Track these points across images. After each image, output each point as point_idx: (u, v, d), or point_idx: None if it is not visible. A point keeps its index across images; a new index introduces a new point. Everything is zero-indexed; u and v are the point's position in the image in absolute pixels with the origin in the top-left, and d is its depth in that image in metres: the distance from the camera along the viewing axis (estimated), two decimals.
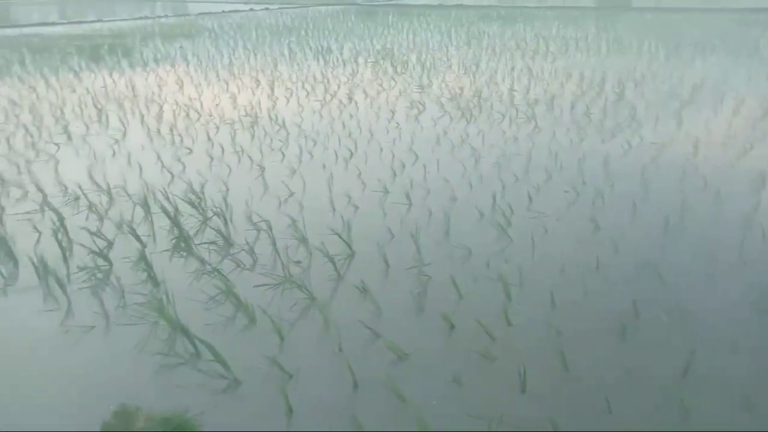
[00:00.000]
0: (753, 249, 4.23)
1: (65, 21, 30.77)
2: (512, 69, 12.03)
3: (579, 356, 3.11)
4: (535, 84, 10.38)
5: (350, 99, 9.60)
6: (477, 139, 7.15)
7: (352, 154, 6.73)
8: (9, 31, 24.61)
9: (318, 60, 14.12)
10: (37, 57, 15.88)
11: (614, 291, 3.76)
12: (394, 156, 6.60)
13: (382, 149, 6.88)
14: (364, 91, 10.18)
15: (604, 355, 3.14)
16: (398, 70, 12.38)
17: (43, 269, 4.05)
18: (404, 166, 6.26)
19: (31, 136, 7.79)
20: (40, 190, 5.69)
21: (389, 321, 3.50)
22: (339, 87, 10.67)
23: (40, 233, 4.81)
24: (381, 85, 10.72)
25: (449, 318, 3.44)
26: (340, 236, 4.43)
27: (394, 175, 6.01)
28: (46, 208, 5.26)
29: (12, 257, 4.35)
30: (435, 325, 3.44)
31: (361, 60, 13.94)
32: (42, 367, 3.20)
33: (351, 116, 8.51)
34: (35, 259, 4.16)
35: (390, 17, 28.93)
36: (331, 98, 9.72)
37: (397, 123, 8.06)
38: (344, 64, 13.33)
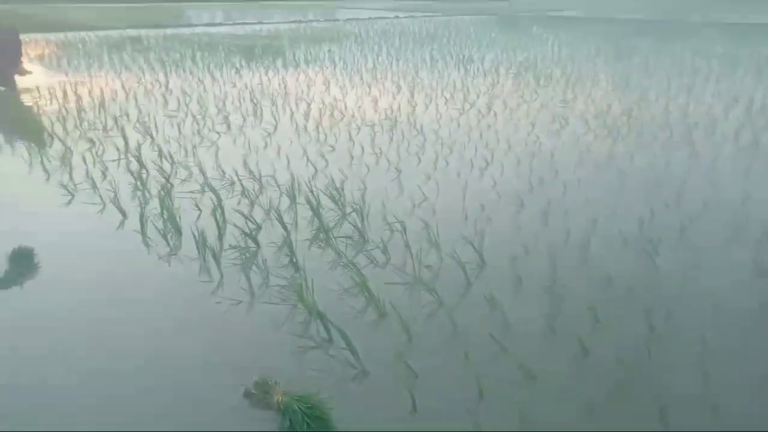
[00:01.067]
0: None
1: (230, 22, 33.95)
2: (667, 88, 11.16)
3: (735, 404, 2.80)
4: (693, 106, 9.53)
5: (489, 109, 9.52)
6: (625, 160, 6.73)
7: (488, 164, 6.67)
8: (184, 30, 27.71)
9: (459, 68, 14.18)
10: (205, 54, 17.69)
11: None
12: (532, 170, 6.43)
13: (519, 162, 6.74)
14: (504, 102, 10.03)
15: (764, 408, 2.80)
16: (541, 82, 12.04)
17: (202, 243, 4.50)
18: (543, 182, 6.07)
19: (197, 124, 8.70)
20: (202, 172, 6.33)
21: (518, 337, 3.41)
22: (478, 96, 10.62)
23: (200, 211, 5.36)
24: (522, 97, 10.50)
25: (583, 343, 3.28)
26: (473, 245, 4.41)
27: (531, 189, 5.85)
28: (206, 189, 5.84)
29: (178, 230, 4.89)
30: (567, 348, 3.29)
31: (502, 70, 13.77)
32: (194, 331, 3.55)
33: (489, 126, 8.43)
34: (196, 234, 4.62)
35: (534, 28, 28.23)
36: (470, 107, 9.71)
37: (537, 136, 7.84)
38: (485, 74, 13.25)
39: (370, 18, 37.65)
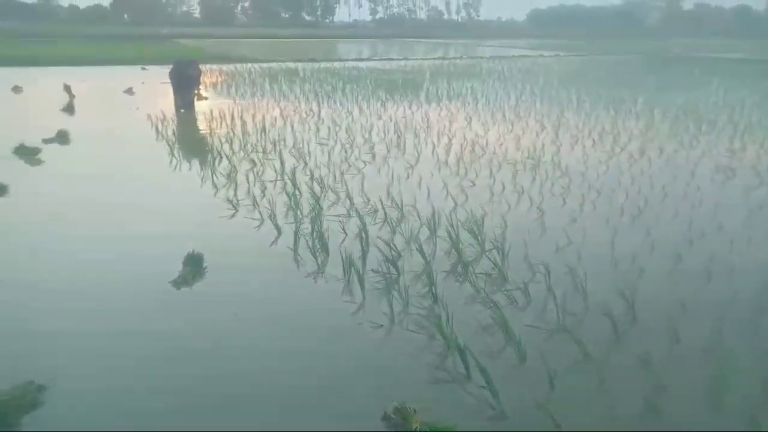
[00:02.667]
0: None
1: (376, 57, 35.82)
2: None
3: None
4: None
5: (642, 153, 8.96)
6: None
7: (641, 212, 6.25)
8: (335, 64, 29.75)
9: (608, 110, 13.57)
10: (354, 86, 18.79)
11: None
12: (691, 222, 5.91)
13: (677, 213, 6.23)
14: (660, 148, 9.38)
15: None
16: (703, 129, 11.10)
17: (347, 265, 4.73)
18: (704, 235, 5.55)
19: (345, 152, 9.22)
20: (349, 198, 6.68)
21: (675, 404, 3.11)
22: (630, 140, 10.05)
23: (346, 234, 5.64)
24: (680, 143, 9.75)
25: (754, 418, 2.91)
26: (624, 297, 4.14)
27: (691, 243, 5.37)
28: (352, 214, 6.15)
29: (326, 250, 5.20)
30: (733, 422, 2.94)
31: (657, 114, 12.92)
32: (336, 350, 3.71)
33: (642, 172, 7.92)
34: (343, 255, 4.87)
35: (694, 69, 26.20)
36: (621, 150, 9.21)
37: (698, 186, 7.21)
38: (637, 117, 12.53)
39: (513, 56, 37.55)
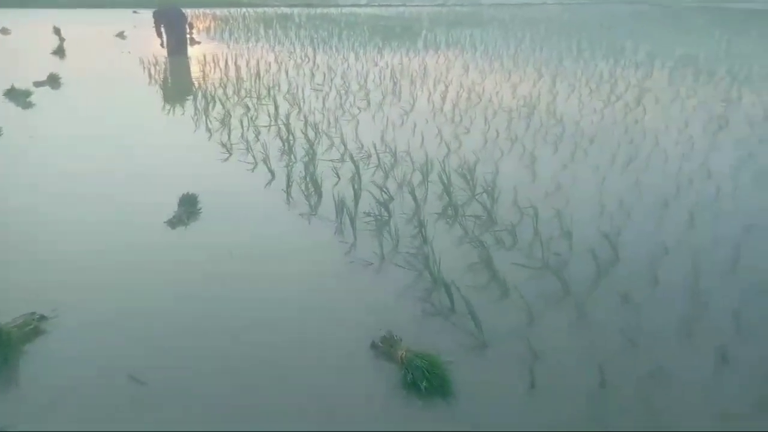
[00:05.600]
0: None
1: (374, 4, 34.85)
2: None
3: None
4: None
5: (638, 103, 8.93)
6: None
7: (631, 160, 6.30)
8: (332, 10, 28.98)
9: (608, 60, 13.39)
10: (350, 33, 18.41)
11: None
12: (680, 170, 5.98)
13: (666, 160, 6.29)
14: (656, 97, 9.35)
15: None
16: (700, 79, 11.01)
17: (340, 207, 4.81)
18: (692, 182, 5.63)
19: (340, 98, 9.16)
20: (343, 143, 6.70)
21: (649, 336, 3.27)
22: (627, 89, 9.99)
23: (339, 178, 5.70)
24: (677, 93, 9.70)
25: (724, 351, 3.07)
26: (608, 238, 4.25)
27: (678, 189, 5.46)
28: (346, 159, 6.18)
29: (319, 192, 5.27)
30: (704, 354, 3.10)
31: (657, 64, 12.78)
32: (328, 284, 3.84)
33: (636, 121, 7.93)
34: (335, 198, 4.95)
35: (699, 20, 25.64)
36: (617, 100, 9.18)
37: (690, 136, 7.24)
38: (637, 67, 12.39)
39: (515, 4, 36.57)
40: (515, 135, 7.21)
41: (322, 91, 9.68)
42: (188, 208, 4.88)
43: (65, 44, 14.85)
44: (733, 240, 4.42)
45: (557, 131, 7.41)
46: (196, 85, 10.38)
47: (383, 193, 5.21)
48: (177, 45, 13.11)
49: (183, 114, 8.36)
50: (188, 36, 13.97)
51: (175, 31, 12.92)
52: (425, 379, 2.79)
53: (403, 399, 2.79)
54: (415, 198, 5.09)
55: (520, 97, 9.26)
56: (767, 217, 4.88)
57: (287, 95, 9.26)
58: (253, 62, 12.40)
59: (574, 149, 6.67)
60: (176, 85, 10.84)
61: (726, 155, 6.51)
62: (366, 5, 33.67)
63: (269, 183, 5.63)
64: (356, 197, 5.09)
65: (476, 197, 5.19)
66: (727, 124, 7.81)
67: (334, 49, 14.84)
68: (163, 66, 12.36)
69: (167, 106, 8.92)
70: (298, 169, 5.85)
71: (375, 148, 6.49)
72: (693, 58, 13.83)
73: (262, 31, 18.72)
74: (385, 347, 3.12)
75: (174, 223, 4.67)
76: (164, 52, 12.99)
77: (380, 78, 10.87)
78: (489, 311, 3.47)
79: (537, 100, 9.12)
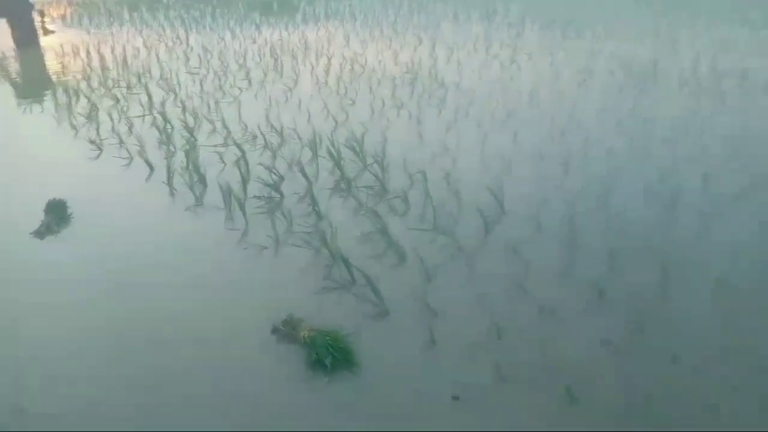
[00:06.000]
0: None
1: None
2: (707, 38, 10.77)
3: (745, 341, 2.86)
4: (725, 55, 9.21)
5: (512, 61, 9.35)
6: (649, 111, 6.61)
7: (509, 115, 6.61)
8: None
9: (482, 21, 13.84)
10: (225, 10, 17.55)
11: None
12: (554, 121, 6.37)
13: (541, 113, 6.67)
14: (528, 55, 9.83)
15: None
16: (568, 35, 11.71)
17: (227, 194, 4.62)
18: (564, 133, 6.02)
19: (219, 80, 8.75)
20: (225, 127, 6.42)
21: (536, 281, 3.48)
22: (502, 49, 10.42)
23: (224, 164, 5.46)
24: (547, 50, 10.26)
25: (600, 286, 3.34)
26: (493, 194, 4.44)
27: (552, 140, 5.81)
28: (229, 143, 5.93)
29: (203, 181, 5.02)
30: (584, 291, 3.35)
31: (527, 23, 13.41)
32: (223, 274, 3.70)
33: (512, 78, 8.31)
34: (222, 185, 4.74)
35: None
36: (493, 59, 9.54)
37: (562, 89, 7.71)
38: (509, 27, 12.92)
39: None
40: (400, 102, 7.29)
41: (198, 74, 9.17)
42: (57, 215, 4.45)
43: None
44: (603, 184, 4.79)
45: (440, 94, 7.58)
46: (55, 78, 9.43)
47: (272, 174, 5.07)
48: (24, 36, 11.78)
49: (42, 112, 7.57)
50: (39, 25, 12.59)
51: (20, 22, 11.58)
52: (330, 355, 2.78)
53: (309, 378, 2.77)
54: (306, 175, 5.00)
55: (403, 64, 9.36)
56: (634, 160, 5.34)
57: (160, 81, 8.67)
58: (119, 49, 11.46)
59: (456, 110, 6.87)
60: (30, 81, 9.78)
61: (591, 105, 7.01)
62: None
63: (148, 177, 5.27)
64: (244, 182, 4.91)
65: (367, 168, 5.20)
66: (591, 76, 8.39)
67: (208, 28, 14.09)
68: (12, 60, 11.09)
69: (22, 105, 8.03)
70: (179, 158, 5.52)
71: (260, 128, 6.27)
72: (563, 19, 14.66)
73: (126, 15, 17.33)
74: (287, 330, 3.07)
75: (42, 233, 4.25)
76: (12, 44, 11.63)
77: (260, 55, 10.50)
78: (388, 278, 3.51)
79: (419, 65, 9.26)
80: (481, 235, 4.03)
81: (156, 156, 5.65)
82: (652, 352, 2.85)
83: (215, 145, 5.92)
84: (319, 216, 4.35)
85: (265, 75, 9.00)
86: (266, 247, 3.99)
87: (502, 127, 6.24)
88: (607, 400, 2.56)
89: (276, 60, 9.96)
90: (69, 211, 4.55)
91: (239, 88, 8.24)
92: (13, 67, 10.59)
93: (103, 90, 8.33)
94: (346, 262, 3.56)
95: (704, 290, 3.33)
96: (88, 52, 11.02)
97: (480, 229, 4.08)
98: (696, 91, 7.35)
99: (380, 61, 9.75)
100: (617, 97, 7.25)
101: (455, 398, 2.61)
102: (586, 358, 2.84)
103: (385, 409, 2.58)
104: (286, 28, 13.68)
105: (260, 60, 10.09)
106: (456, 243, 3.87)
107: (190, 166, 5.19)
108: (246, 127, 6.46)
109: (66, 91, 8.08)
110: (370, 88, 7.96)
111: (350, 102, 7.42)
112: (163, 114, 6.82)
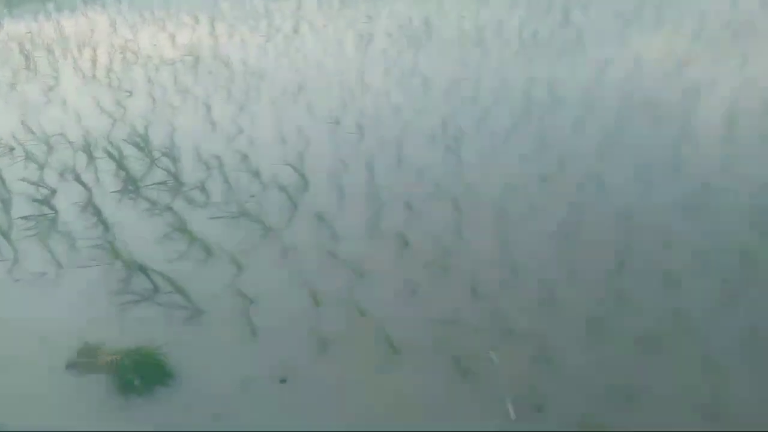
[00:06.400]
0: (686, 155, 4.44)
1: None
2: None
3: (526, 258, 3.27)
4: (484, 10, 10.22)
5: (295, 32, 9.26)
6: (427, 66, 7.07)
7: (300, 87, 6.57)
8: None
9: None
10: None
11: (560, 200, 3.89)
12: (343, 87, 6.49)
13: (330, 81, 6.74)
14: (310, 24, 9.82)
15: (548, 256, 3.30)
16: (347, 2, 11.94)
17: None
18: (354, 97, 6.17)
19: None
20: None
21: (346, 244, 3.55)
22: (283, 21, 10.25)
23: None
24: (327, 17, 10.36)
25: (403, 236, 3.52)
26: (293, 167, 4.40)
27: (345, 106, 5.93)
28: None
29: None
30: (390, 243, 3.51)
31: None
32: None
33: (297, 50, 8.24)
34: None
35: None
36: (276, 32, 9.35)
37: (346, 55, 7.87)
38: None
39: None
40: (184, 87, 6.79)
41: None
42: None
43: None
44: (395, 140, 5.03)
45: (226, 75, 7.23)
46: None
47: (40, 188, 4.39)
48: None
49: None
50: None
51: None
52: (138, 375, 2.52)
53: (121, 407, 2.49)
54: (83, 183, 4.43)
55: (182, 47, 8.70)
56: (419, 113, 5.67)
57: None
58: None
59: (246, 89, 6.62)
60: None
61: (376, 67, 7.27)
62: None
63: None
64: (4, 203, 4.18)
65: (156, 163, 4.78)
66: (372, 40, 8.69)
67: None
68: None
69: None
70: None
71: (16, 138, 5.37)
72: None
73: None
74: (84, 360, 2.71)
75: None
76: None
77: (5, 52, 8.93)
78: (196, 277, 3.29)
79: (199, 46, 8.70)
80: (287, 211, 3.97)
81: None
82: (454, 287, 3.11)
83: None
84: (106, 226, 3.89)
85: (15, 75, 7.70)
86: (45, 273, 3.46)
87: (295, 100, 6.18)
88: (422, 345, 2.73)
89: (27, 56, 8.55)
90: None
91: None
92: None
93: None
94: (144, 271, 3.24)
95: (489, 222, 3.70)
96: None
97: (285, 206, 4.02)
98: (464, 43, 8.05)
99: (156, 45, 8.94)
100: (398, 57, 7.62)
101: (283, 381, 2.56)
102: (396, 306, 2.99)
103: (213, 409, 2.44)
104: (35, 19, 11.81)
105: (6, 58, 8.59)
106: (262, 224, 3.76)
107: None
108: None
109: None
110: (148, 77, 7.27)
111: (127, 94, 6.71)
112: None
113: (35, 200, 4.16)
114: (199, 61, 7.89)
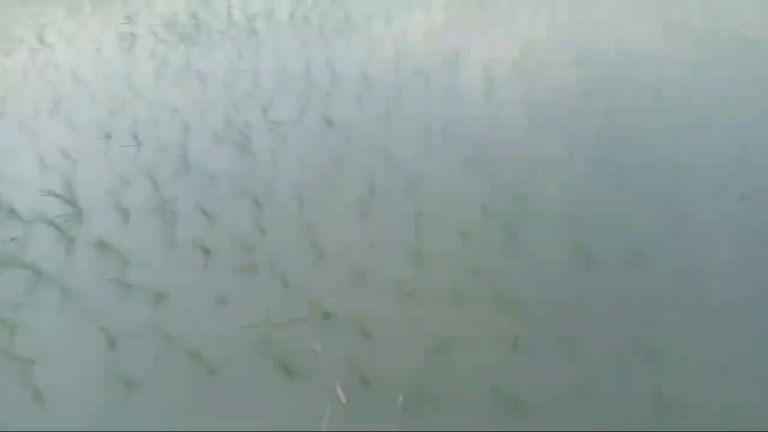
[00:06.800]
0: (457, 119, 4.88)
1: None
2: None
3: (329, 239, 3.30)
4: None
5: (41, 42, 8.08)
6: (201, 63, 6.71)
7: (57, 103, 5.76)
8: None
9: None
10: None
11: (354, 175, 4.00)
12: (110, 96, 5.85)
13: (93, 92, 6.03)
14: (59, 31, 8.65)
15: (350, 229, 3.38)
16: (98, 1, 10.74)
17: None
18: (125, 105, 5.60)
19: None
20: None
21: (138, 269, 3.22)
22: (25, 30, 8.87)
23: None
24: (78, 22, 9.21)
25: (203, 245, 3.32)
26: (58, 196, 3.84)
27: (115, 116, 5.35)
28: None
29: None
30: (191, 255, 3.28)
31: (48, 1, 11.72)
32: None
33: (48, 61, 7.20)
34: None
35: None
36: (18, 44, 8.06)
37: (107, 60, 7.10)
38: (27, 4, 11.07)
39: None
40: None
41: None
42: None
43: None
44: (179, 146, 4.68)
45: None
46: None
47: None
48: None
49: None
50: None
51: None
52: None
53: None
54: None
55: None
56: (199, 112, 5.35)
57: None
58: None
59: None
60: None
61: (146, 69, 6.69)
62: None
63: None
64: None
65: None
66: (136, 39, 7.96)
67: None
68: None
69: None
70: None
71: None
72: None
73: None
74: None
75: None
76: None
77: None
78: None
79: None
80: (61, 246, 3.46)
81: None
82: (265, 286, 3.02)
83: None
84: None
85: None
86: None
87: (53, 118, 5.40)
88: (241, 357, 2.61)
89: None
90: None
91: None
92: None
93: None
94: None
95: (289, 211, 3.66)
96: None
97: (59, 242, 3.50)
98: (234, 36, 7.80)
99: None
100: (168, 55, 7.10)
101: None
102: (206, 322, 2.81)
103: None
104: None
105: None
106: (33, 269, 3.23)
107: None
108: None
109: None
110: None
111: None
112: None
113: None
114: None
